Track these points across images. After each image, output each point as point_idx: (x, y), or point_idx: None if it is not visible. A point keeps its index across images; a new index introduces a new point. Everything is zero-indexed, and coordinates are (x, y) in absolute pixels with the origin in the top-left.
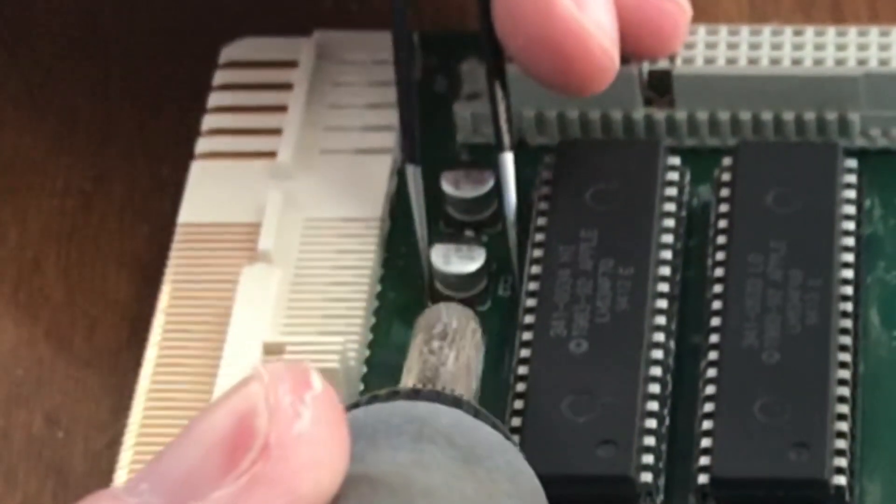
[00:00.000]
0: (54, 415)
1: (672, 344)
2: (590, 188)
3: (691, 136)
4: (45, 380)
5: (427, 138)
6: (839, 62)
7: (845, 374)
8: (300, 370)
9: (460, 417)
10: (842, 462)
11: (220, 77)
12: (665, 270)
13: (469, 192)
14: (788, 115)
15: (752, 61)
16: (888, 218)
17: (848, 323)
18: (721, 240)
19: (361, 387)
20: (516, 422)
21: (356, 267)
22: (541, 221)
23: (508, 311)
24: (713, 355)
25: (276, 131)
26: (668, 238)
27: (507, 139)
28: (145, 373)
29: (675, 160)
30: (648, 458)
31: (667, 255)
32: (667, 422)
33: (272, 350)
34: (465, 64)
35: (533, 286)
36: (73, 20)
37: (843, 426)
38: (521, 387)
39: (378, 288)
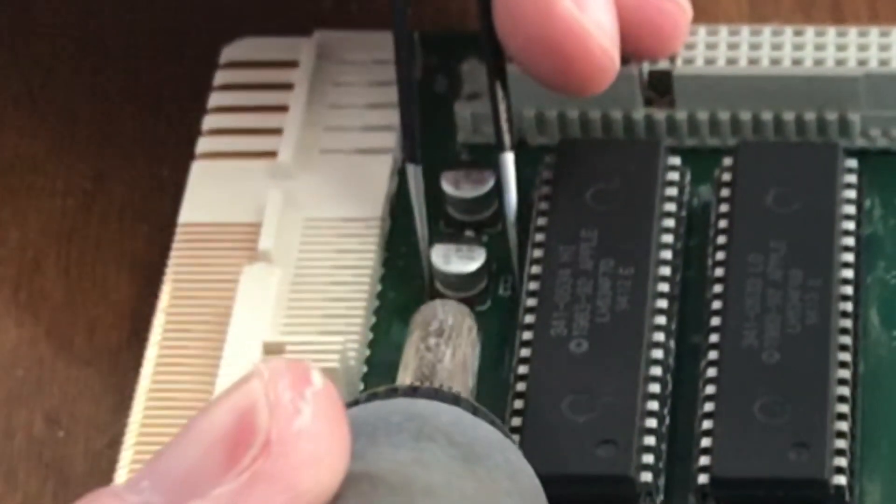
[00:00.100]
0: (54, 415)
1: (672, 344)
2: (590, 188)
3: (691, 136)
4: (45, 380)
5: (427, 138)
6: (839, 62)
7: (845, 373)
8: (300, 366)
9: (460, 415)
10: (842, 462)
11: (220, 77)
12: (665, 270)
13: (469, 192)
14: (789, 115)
15: (753, 61)
16: (888, 218)
17: (848, 323)
18: (721, 240)
19: (361, 386)
20: (516, 421)
21: (356, 267)
22: (541, 221)
23: (508, 310)
24: (713, 355)
25: (276, 131)
26: (668, 238)
27: (507, 139)
28: (146, 372)
29: (676, 160)
30: (648, 458)
31: (667, 254)
32: (667, 421)
33: (272, 350)
34: (466, 64)
35: (533, 286)
36: (73, 20)
37: (843, 426)
38: (521, 386)
39: (378, 288)
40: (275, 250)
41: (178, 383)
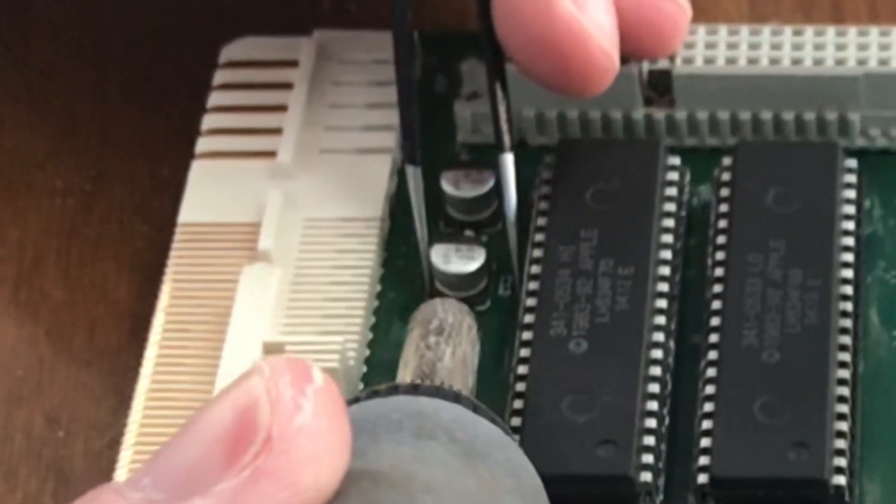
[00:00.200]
0: (54, 415)
1: (672, 343)
2: (590, 188)
3: (691, 135)
4: (45, 380)
5: (427, 138)
6: (839, 62)
7: (845, 373)
8: (301, 364)
9: (461, 413)
10: (841, 462)
11: (220, 77)
12: (665, 270)
13: (469, 191)
14: (788, 115)
15: (752, 61)
16: (888, 218)
17: (848, 323)
18: (721, 239)
19: (361, 386)
20: (516, 421)
21: (356, 266)
22: (541, 221)
23: (508, 310)
24: (713, 355)
25: (276, 131)
26: (667, 238)
27: (507, 139)
28: (145, 372)
29: (675, 160)
30: (648, 458)
31: (666, 254)
32: (666, 421)
33: (272, 349)
34: (466, 63)
35: (533, 286)
36: (73, 20)
37: (843, 426)
38: (520, 386)
39: (378, 287)
40: (275, 250)
41: (177, 383)
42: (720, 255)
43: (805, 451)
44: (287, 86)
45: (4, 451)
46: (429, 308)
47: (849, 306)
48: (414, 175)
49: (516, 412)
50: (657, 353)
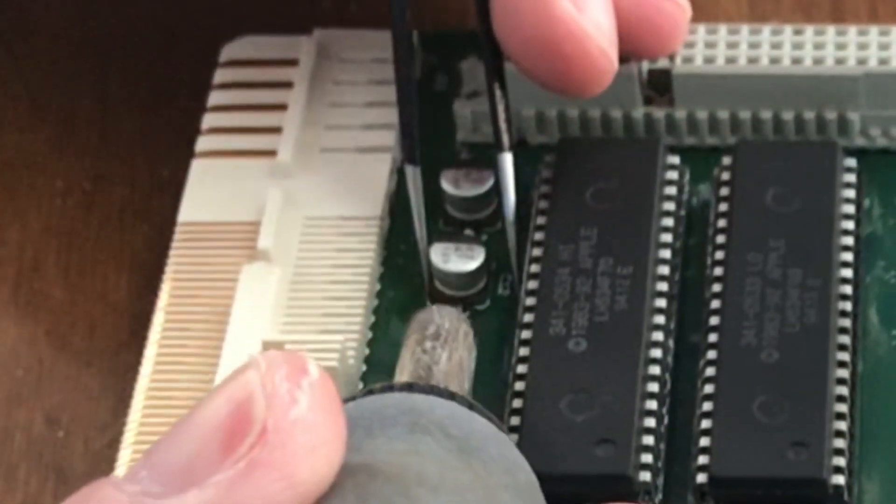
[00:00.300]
0: (54, 415)
1: (671, 343)
2: (589, 187)
3: (691, 134)
4: (45, 380)
5: (427, 137)
6: (839, 62)
7: (844, 373)
8: (297, 357)
9: (455, 410)
10: (840, 461)
11: (220, 76)
12: (664, 269)
13: (469, 190)
14: (788, 115)
15: (752, 60)
16: (887, 217)
17: (847, 322)
18: (720, 239)
19: (360, 385)
20: (515, 420)
21: (356, 265)
22: (540, 220)
23: (508, 309)
24: (712, 354)
25: (276, 130)
26: (667, 237)
27: (506, 139)
28: (145, 371)
29: (675, 159)
30: (647, 457)
31: (666, 253)
32: (665, 421)
33: (271, 348)
34: (466, 62)
35: (532, 285)
36: (73, 20)
37: (842, 425)
38: (519, 385)
39: (377, 286)
40: (274, 249)
41: (177, 382)
42: (719, 255)
43: (804, 451)
44: (287, 85)
45: (4, 451)
46: (425, 314)
47: (848, 306)
48: (413, 174)
49: (515, 411)
50: (656, 353)
